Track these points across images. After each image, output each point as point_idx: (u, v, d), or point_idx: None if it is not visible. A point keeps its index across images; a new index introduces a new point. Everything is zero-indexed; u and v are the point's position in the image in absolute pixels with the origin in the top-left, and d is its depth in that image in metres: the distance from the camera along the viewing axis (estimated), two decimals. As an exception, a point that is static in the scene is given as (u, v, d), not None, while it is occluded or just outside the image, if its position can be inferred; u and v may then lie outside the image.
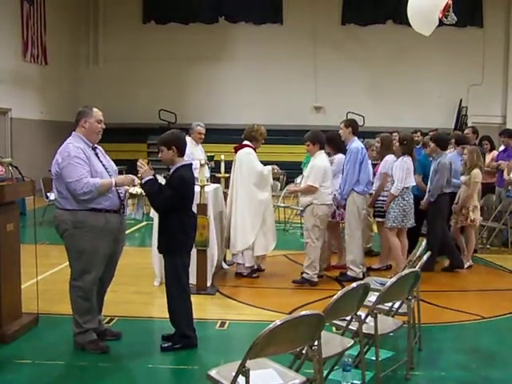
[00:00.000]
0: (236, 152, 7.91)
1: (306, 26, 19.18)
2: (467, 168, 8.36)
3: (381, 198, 8.14)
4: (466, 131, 10.19)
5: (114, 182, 5.12)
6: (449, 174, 8.24)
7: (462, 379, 4.87)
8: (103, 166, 5.20)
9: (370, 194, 8.29)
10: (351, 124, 7.96)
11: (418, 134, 10.94)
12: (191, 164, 5.49)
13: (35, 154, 15.57)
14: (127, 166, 11.42)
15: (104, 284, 5.40)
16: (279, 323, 3.18)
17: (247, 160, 7.73)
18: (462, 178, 8.46)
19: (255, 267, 7.97)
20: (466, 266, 8.41)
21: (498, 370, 5.07)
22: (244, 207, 7.75)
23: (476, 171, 8.22)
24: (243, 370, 3.13)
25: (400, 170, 7.72)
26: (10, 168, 5.50)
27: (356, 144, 7.77)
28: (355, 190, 7.68)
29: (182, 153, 5.30)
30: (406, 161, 7.81)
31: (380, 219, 8.17)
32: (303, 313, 3.41)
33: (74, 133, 5.18)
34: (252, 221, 7.74)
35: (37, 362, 4.99)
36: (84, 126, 5.12)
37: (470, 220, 8.29)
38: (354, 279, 7.17)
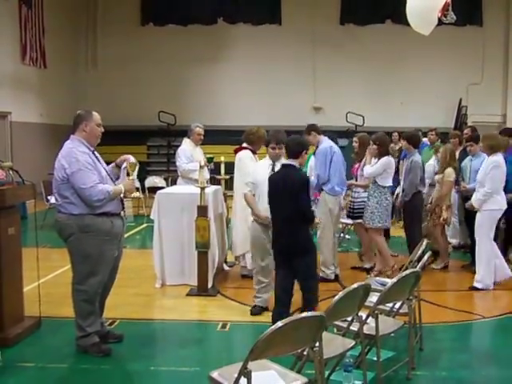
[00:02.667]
0: (236, 154, 7.89)
1: (304, 26, 19.18)
2: (440, 167, 8.40)
3: (359, 200, 8.18)
4: (465, 131, 10.17)
5: (123, 190, 5.15)
6: (421, 173, 8.29)
7: (464, 379, 4.88)
8: (105, 169, 5.22)
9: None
10: (310, 128, 7.81)
11: (433, 132, 10.86)
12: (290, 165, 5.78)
13: (35, 157, 15.57)
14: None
15: (106, 287, 5.40)
16: (280, 325, 3.19)
17: (243, 164, 7.66)
18: (436, 177, 8.50)
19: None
20: (440, 266, 8.45)
21: (499, 370, 5.09)
22: (242, 211, 7.72)
23: (449, 170, 8.17)
24: (245, 372, 3.14)
25: (380, 165, 7.74)
26: (11, 172, 5.50)
27: (325, 144, 7.67)
28: (325, 190, 7.62)
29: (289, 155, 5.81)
30: (392, 160, 7.87)
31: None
32: (304, 314, 3.42)
33: (72, 136, 5.15)
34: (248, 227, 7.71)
35: (39, 365, 5.00)
36: (85, 129, 5.11)
37: (442, 219, 8.26)
38: (325, 280, 7.19)
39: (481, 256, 7.37)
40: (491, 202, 7.28)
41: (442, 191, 8.24)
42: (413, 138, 8.40)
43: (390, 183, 7.87)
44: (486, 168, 7.35)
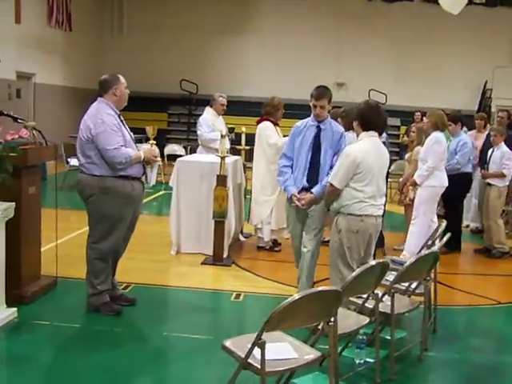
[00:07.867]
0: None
1: (331, 0, 18.93)
2: (411, 146, 8.37)
3: None
4: (499, 114, 10.00)
5: (143, 157, 5.17)
6: None
7: (476, 362, 4.86)
8: (129, 134, 5.23)
9: None
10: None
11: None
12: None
13: (57, 119, 15.59)
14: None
15: (120, 247, 5.43)
16: (297, 297, 3.17)
17: (264, 135, 7.65)
18: (407, 155, 8.50)
19: (272, 241, 7.94)
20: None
21: (512, 355, 5.07)
22: (258, 181, 7.73)
23: (418, 148, 8.04)
24: (259, 343, 3.13)
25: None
26: (34, 132, 5.51)
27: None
28: None
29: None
30: (351, 136, 7.77)
31: None
32: (321, 288, 3.40)
33: (100, 99, 5.15)
34: (266, 195, 7.71)
35: (54, 324, 5.06)
36: (115, 93, 5.13)
37: (408, 199, 8.06)
38: None
39: (413, 231, 7.34)
40: (433, 178, 7.30)
41: (410, 169, 8.16)
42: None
43: None
44: (428, 143, 7.41)
